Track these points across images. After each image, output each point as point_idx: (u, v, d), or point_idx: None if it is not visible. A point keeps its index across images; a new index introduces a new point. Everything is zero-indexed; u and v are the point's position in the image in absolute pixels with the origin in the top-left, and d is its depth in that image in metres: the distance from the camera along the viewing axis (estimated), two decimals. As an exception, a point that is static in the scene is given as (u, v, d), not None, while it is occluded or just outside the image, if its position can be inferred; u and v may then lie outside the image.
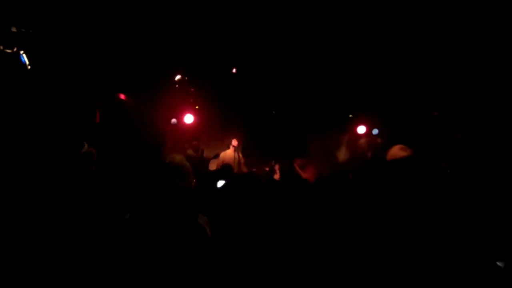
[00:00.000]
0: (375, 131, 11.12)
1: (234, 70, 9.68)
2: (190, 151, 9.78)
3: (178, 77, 9.80)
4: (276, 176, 9.28)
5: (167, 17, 6.76)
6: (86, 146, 3.32)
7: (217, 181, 4.39)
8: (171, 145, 10.77)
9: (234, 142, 9.52)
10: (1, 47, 5.31)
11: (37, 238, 2.58)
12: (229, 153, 9.55)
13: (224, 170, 6.67)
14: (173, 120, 10.73)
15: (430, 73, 8.22)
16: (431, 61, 7.70)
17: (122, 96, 9.31)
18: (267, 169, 8.94)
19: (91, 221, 2.74)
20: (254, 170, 8.48)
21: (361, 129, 11.22)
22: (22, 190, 2.75)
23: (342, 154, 11.12)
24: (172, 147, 10.47)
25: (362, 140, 11.21)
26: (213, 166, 10.03)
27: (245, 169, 9.42)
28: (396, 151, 4.00)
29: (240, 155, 9.76)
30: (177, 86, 9.93)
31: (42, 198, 2.71)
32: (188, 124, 10.69)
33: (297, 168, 9.11)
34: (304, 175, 9.02)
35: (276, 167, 9.52)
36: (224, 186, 3.30)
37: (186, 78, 9.94)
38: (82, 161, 3.13)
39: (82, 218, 2.73)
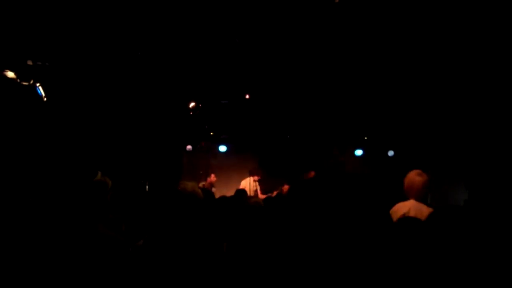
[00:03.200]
0: (390, 153, 11.06)
1: (247, 96, 9.73)
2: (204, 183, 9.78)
3: (192, 104, 9.88)
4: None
5: (179, 46, 6.86)
6: (99, 174, 3.34)
7: (231, 206, 4.33)
8: (187, 172, 10.81)
9: (256, 178, 9.77)
10: (18, 80, 5.42)
11: (51, 266, 2.59)
12: (247, 180, 9.76)
13: (238, 195, 6.66)
14: (189, 147, 10.79)
15: (444, 97, 8.20)
16: (444, 83, 7.69)
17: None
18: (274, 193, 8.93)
19: (104, 248, 2.74)
20: (270, 195, 8.42)
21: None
22: (36, 216, 2.78)
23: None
24: (188, 174, 10.52)
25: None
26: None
27: (260, 196, 9.42)
28: (413, 176, 4.06)
29: (256, 183, 9.85)
30: (191, 113, 10.01)
31: (55, 225, 2.73)
32: (203, 151, 10.76)
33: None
34: None
35: (285, 187, 9.56)
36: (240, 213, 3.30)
37: (200, 105, 10.01)
38: (94, 189, 3.14)
39: (96, 245, 2.74)
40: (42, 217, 2.83)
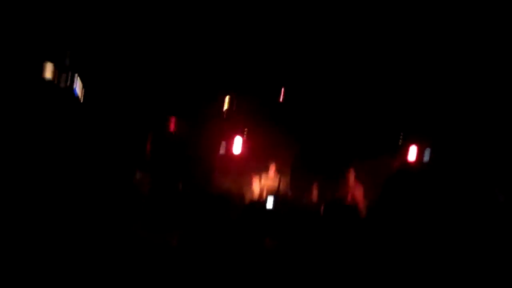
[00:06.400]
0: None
1: (283, 91, 9.69)
2: None
3: (226, 102, 9.86)
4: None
5: (215, 44, 6.87)
6: (139, 173, 3.40)
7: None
8: (219, 172, 10.77)
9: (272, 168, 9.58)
10: (56, 82, 5.50)
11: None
12: (270, 177, 9.58)
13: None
14: (222, 147, 10.74)
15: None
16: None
17: (173, 125, 9.43)
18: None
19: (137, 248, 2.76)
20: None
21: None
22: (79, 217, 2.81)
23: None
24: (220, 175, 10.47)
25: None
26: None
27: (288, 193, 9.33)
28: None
29: (282, 179, 9.66)
30: (225, 111, 9.99)
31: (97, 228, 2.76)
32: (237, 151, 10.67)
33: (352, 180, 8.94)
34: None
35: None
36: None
37: (234, 102, 9.97)
38: (137, 187, 3.21)
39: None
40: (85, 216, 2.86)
